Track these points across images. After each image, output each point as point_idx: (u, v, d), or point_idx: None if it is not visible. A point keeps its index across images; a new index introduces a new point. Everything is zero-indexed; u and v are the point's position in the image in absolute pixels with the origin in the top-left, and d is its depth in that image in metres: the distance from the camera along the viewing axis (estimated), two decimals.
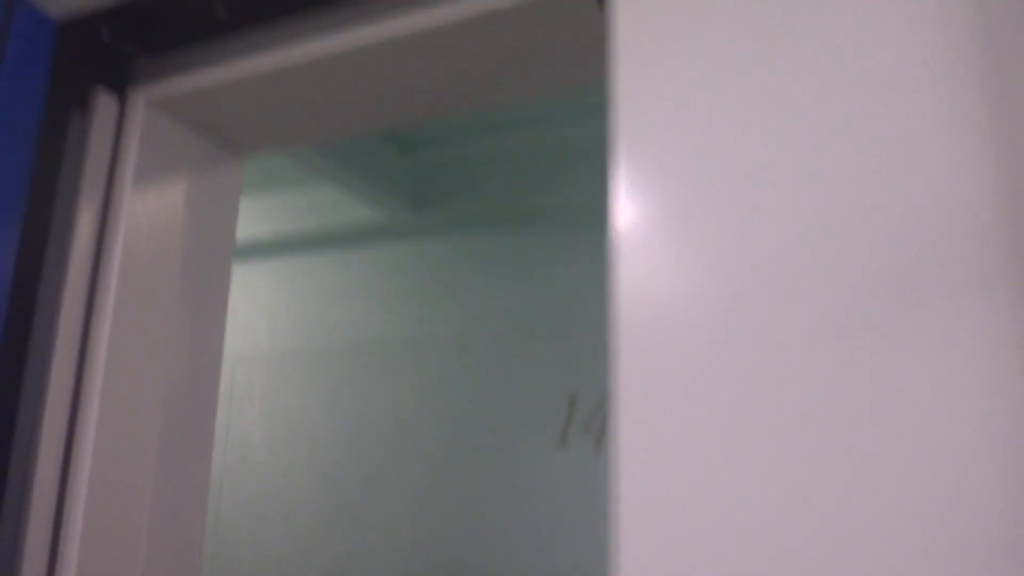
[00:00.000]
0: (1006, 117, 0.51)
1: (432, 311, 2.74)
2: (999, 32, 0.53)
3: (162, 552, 0.97)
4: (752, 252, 0.56)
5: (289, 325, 2.98)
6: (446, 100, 0.99)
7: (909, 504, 0.48)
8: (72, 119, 0.97)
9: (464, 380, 2.63)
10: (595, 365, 2.33)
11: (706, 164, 0.59)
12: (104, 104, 1.00)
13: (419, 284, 2.77)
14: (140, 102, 1.02)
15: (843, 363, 0.52)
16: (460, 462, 2.57)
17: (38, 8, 0.95)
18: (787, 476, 0.51)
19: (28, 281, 0.90)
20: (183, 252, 1.05)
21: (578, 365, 2.42)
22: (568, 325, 2.46)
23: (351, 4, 0.87)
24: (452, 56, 0.89)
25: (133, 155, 1.00)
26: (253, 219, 2.87)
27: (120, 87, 1.02)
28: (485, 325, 2.64)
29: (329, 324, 2.91)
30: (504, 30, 0.84)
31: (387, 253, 2.85)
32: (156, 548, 0.97)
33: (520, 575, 2.40)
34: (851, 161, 0.55)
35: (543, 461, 2.42)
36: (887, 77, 0.55)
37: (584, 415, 2.36)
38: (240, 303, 2.96)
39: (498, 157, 2.63)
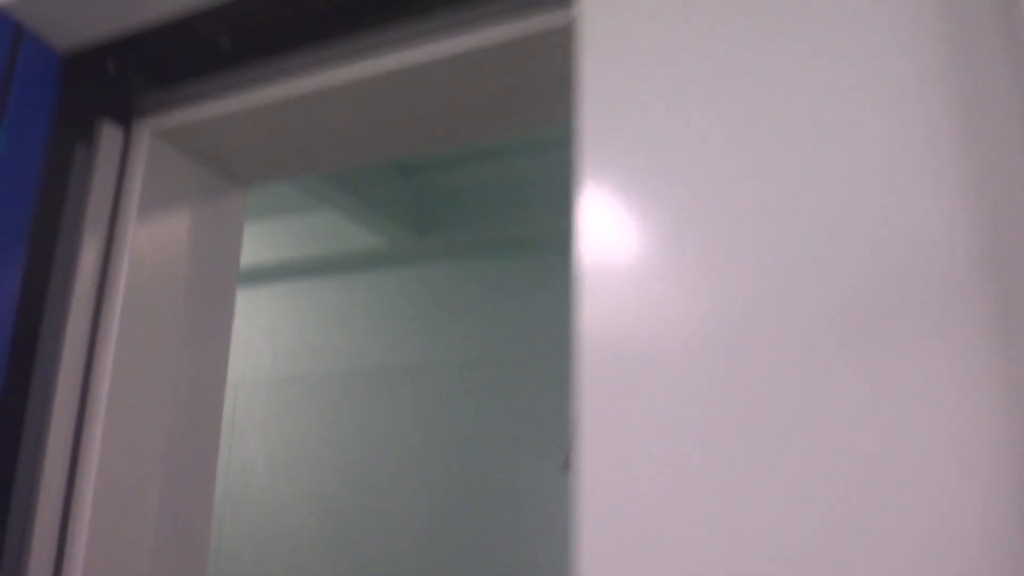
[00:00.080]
0: (986, 151, 0.52)
1: (434, 336, 2.74)
2: (978, 77, 0.53)
3: None
4: (725, 283, 0.56)
5: (291, 350, 2.98)
6: (451, 131, 1.00)
7: (878, 549, 0.48)
8: (77, 150, 0.98)
9: (466, 406, 2.62)
10: None
11: (674, 192, 0.59)
12: (109, 135, 1.01)
13: (421, 309, 2.78)
14: (145, 133, 1.03)
15: (814, 402, 0.51)
16: (462, 488, 2.56)
17: (44, 41, 0.96)
18: (751, 515, 0.51)
19: (32, 310, 0.91)
20: (187, 282, 1.05)
21: None
22: (571, 351, 2.46)
23: (352, 38, 0.88)
24: (456, 88, 0.90)
25: (137, 185, 1.01)
26: (255, 245, 2.88)
27: (125, 118, 1.03)
28: (487, 351, 2.64)
29: (331, 349, 2.91)
30: (505, 62, 0.85)
31: (389, 278, 2.85)
32: None
33: None
34: (825, 192, 0.55)
35: (546, 487, 2.41)
36: (868, 114, 0.56)
37: None
38: (242, 328, 2.96)
39: (501, 182, 2.64)
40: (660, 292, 0.57)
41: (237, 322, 1.14)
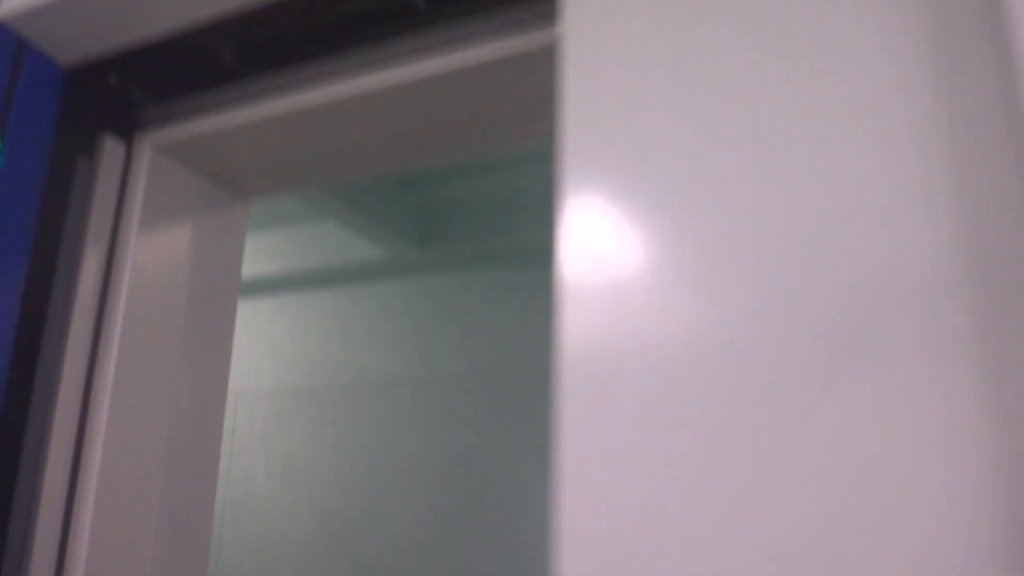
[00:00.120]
0: (974, 159, 0.52)
1: (436, 347, 2.74)
2: (967, 86, 0.54)
3: None
4: (708, 295, 0.56)
5: (292, 361, 2.98)
6: (445, 146, 1.01)
7: (871, 553, 0.48)
8: (79, 163, 0.98)
9: (468, 417, 2.62)
10: None
11: (655, 207, 0.59)
12: (111, 149, 1.01)
13: (422, 321, 2.78)
14: (146, 147, 1.03)
15: (797, 425, 0.51)
16: (462, 497, 2.56)
17: (46, 55, 0.97)
18: (736, 531, 0.51)
19: (34, 322, 0.91)
20: (188, 294, 1.06)
21: None
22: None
23: (354, 53, 0.89)
24: (450, 103, 0.91)
25: (139, 198, 1.02)
26: (257, 256, 2.89)
27: (127, 132, 1.04)
28: (489, 361, 2.64)
29: (332, 360, 2.91)
30: (506, 76, 0.86)
31: (390, 290, 2.86)
32: None
33: None
34: (812, 206, 0.55)
35: (546, 497, 2.41)
36: (853, 129, 0.56)
37: None
38: (243, 339, 2.97)
39: (502, 194, 2.65)
40: (641, 306, 0.58)
41: (238, 334, 1.14)
